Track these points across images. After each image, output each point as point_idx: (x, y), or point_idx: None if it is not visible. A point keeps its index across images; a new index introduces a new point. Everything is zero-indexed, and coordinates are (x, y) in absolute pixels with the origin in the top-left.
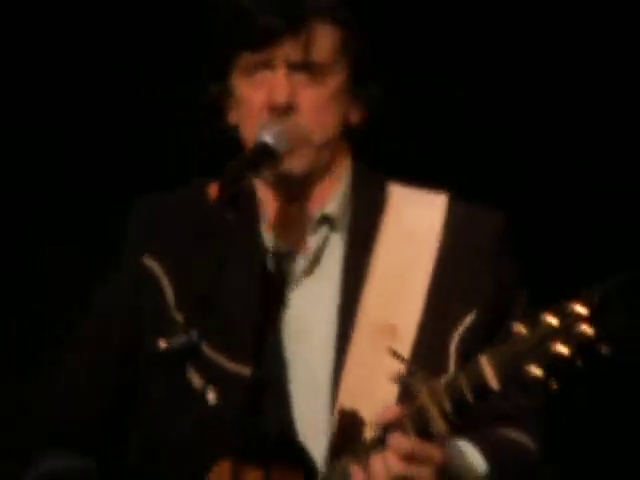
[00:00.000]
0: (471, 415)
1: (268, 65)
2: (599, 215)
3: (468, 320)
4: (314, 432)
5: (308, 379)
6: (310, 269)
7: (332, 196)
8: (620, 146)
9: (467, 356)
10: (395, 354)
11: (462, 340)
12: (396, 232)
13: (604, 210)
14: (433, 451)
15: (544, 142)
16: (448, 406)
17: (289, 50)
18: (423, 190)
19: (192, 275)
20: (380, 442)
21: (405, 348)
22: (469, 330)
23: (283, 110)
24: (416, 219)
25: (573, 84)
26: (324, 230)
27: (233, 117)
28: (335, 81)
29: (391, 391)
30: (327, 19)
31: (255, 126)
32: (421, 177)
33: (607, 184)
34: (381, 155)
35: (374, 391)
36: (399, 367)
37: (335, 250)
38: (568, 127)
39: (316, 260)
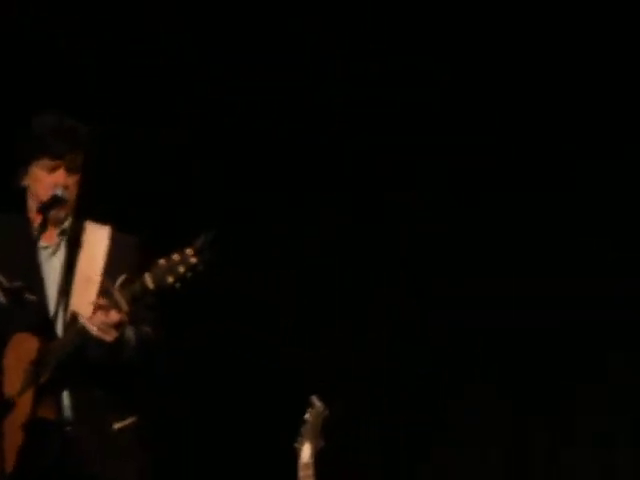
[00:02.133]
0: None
1: (58, 167)
2: None
3: (121, 278)
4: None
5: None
6: (54, 253)
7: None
8: None
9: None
10: (104, 283)
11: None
12: (88, 240)
13: None
14: (116, 314)
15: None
16: (129, 297)
17: (67, 162)
18: (100, 224)
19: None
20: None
21: (96, 286)
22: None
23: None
24: (96, 236)
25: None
26: (61, 237)
27: (25, 182)
28: (79, 176)
29: (90, 299)
30: (79, 149)
31: (47, 191)
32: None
33: None
34: None
35: (86, 303)
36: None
37: (64, 247)
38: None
39: (56, 250)
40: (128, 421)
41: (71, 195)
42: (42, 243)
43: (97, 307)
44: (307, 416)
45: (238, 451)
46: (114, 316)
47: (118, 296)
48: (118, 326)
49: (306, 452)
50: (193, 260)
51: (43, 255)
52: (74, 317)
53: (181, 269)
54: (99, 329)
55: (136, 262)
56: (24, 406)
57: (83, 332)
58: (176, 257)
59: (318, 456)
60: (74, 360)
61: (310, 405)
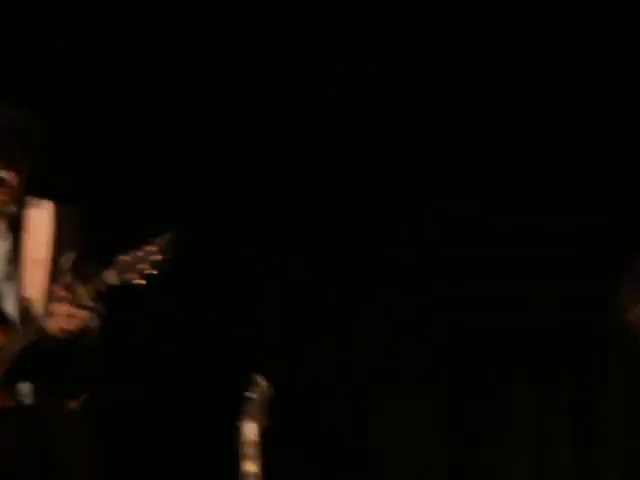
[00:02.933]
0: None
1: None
2: None
3: (70, 255)
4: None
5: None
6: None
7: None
8: None
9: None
10: (66, 276)
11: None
12: (32, 221)
13: None
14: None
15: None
16: (92, 292)
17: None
18: (41, 199)
19: None
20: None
21: (44, 269)
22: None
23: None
24: (38, 216)
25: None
26: (3, 221)
27: None
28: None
29: (39, 283)
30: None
31: None
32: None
33: None
34: None
35: (35, 286)
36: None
37: (7, 231)
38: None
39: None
40: (81, 399)
41: (12, 184)
42: None
43: (57, 299)
44: (251, 394)
45: (181, 430)
46: (74, 310)
47: (81, 291)
48: (76, 320)
49: (250, 430)
50: (156, 258)
51: None
52: (26, 308)
53: (144, 266)
54: (59, 326)
55: (81, 236)
56: None
57: (40, 330)
58: (139, 254)
59: (264, 435)
60: (31, 353)
61: (254, 384)
